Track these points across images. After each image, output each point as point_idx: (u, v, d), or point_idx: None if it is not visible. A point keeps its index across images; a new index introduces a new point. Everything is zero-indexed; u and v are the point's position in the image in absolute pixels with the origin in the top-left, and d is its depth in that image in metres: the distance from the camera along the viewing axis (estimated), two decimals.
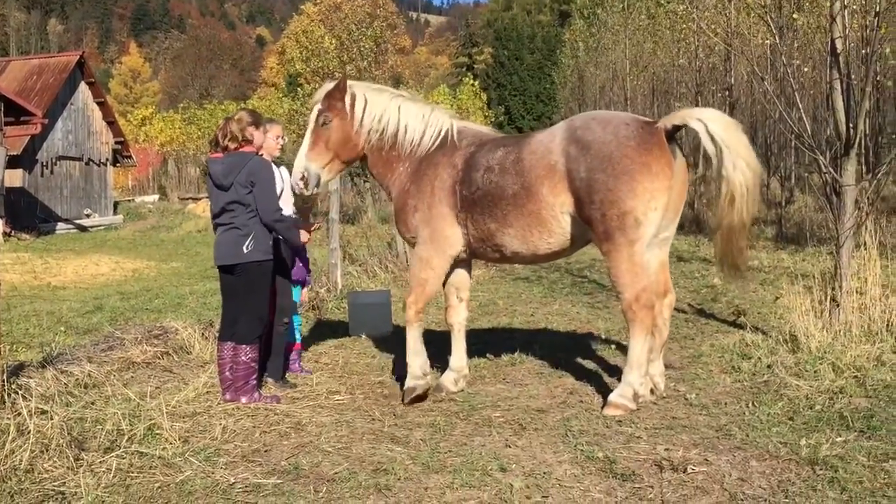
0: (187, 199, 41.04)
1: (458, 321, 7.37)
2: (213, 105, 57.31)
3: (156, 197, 44.14)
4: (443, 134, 7.09)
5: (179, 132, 52.81)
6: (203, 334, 8.95)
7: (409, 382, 6.97)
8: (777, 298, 10.23)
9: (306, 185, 6.99)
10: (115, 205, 38.65)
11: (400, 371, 7.56)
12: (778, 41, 7.97)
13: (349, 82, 7.25)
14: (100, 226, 34.67)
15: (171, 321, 9.44)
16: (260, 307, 6.87)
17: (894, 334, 7.44)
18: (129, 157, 38.95)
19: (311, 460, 5.54)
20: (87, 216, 35.21)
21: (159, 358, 8.31)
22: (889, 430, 5.62)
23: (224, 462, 5.54)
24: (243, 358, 6.78)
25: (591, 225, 6.27)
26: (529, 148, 6.57)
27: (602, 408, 6.46)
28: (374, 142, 7.12)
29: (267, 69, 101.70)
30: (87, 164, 36.04)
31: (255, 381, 6.87)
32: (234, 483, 5.18)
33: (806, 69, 16.47)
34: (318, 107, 7.14)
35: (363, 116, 7.06)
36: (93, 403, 6.58)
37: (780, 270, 13.07)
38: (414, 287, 7.05)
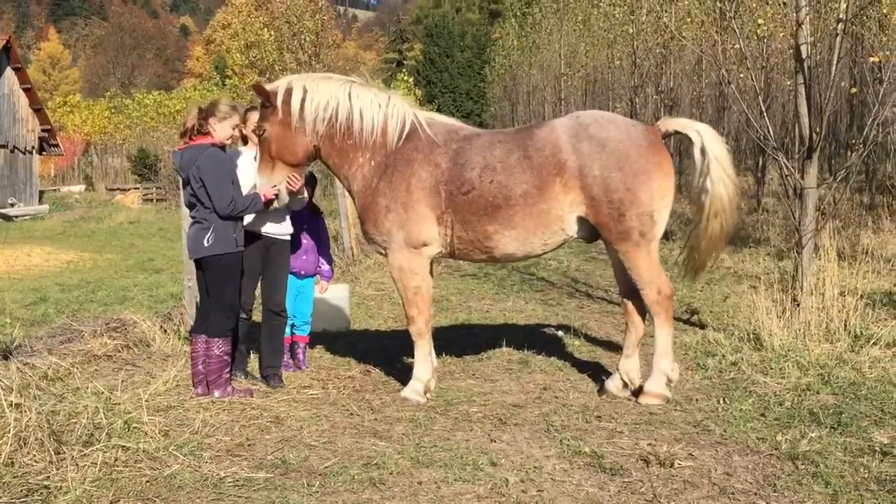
0: (115, 189, 40.22)
1: None
2: (141, 94, 56.20)
3: (82, 187, 43.18)
4: (408, 126, 6.78)
5: (107, 122, 51.66)
6: (162, 327, 8.82)
7: (409, 393, 6.81)
8: (726, 298, 10.52)
9: None
10: (41, 194, 37.69)
11: (369, 364, 7.56)
12: (743, 47, 8.16)
13: (288, 78, 6.97)
14: (25, 215, 33.75)
15: (129, 313, 9.26)
16: (228, 300, 6.75)
17: (851, 333, 7.69)
18: (56, 145, 38.01)
19: (297, 455, 5.50)
20: (12, 205, 34.25)
21: (120, 351, 8.17)
22: (859, 427, 5.81)
23: (209, 456, 5.48)
24: (216, 351, 6.68)
25: (605, 225, 6.35)
26: (535, 145, 6.48)
27: (637, 397, 6.62)
28: (322, 131, 6.74)
29: (193, 59, 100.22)
30: (11, 151, 35.07)
31: (227, 375, 6.78)
32: (223, 477, 5.13)
33: (742, 74, 16.86)
34: None
35: (302, 107, 6.68)
36: (63, 397, 6.43)
37: (724, 271, 13.36)
38: (410, 298, 6.83)
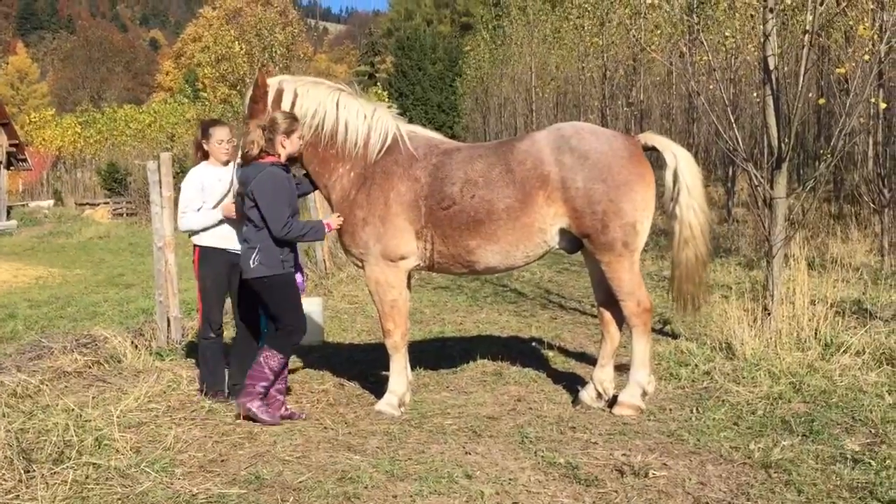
0: (85, 204, 39.88)
1: None
2: (112, 108, 55.78)
3: (51, 202, 42.72)
4: (390, 138, 6.77)
5: (78, 136, 51.23)
6: (133, 342, 8.72)
7: (384, 406, 6.77)
8: (698, 308, 10.54)
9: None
10: (9, 209, 37.28)
11: (341, 378, 7.54)
12: (712, 60, 8.24)
13: (279, 77, 6.92)
14: None
15: (99, 329, 9.17)
16: (289, 319, 6.53)
17: (821, 342, 7.74)
18: (25, 160, 37.65)
19: (271, 470, 5.46)
20: None
21: (90, 367, 8.06)
22: (830, 434, 5.86)
23: (181, 473, 5.42)
24: (261, 359, 6.46)
25: (589, 236, 6.37)
26: (516, 158, 6.47)
27: (612, 408, 6.62)
28: (307, 138, 6.71)
29: (163, 73, 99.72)
30: None
31: (261, 390, 6.46)
32: (196, 494, 5.08)
33: (711, 86, 17.01)
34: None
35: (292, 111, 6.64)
36: (32, 414, 6.35)
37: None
38: (386, 311, 6.79)
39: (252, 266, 6.40)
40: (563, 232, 6.53)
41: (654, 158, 6.75)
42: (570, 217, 6.39)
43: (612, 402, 6.70)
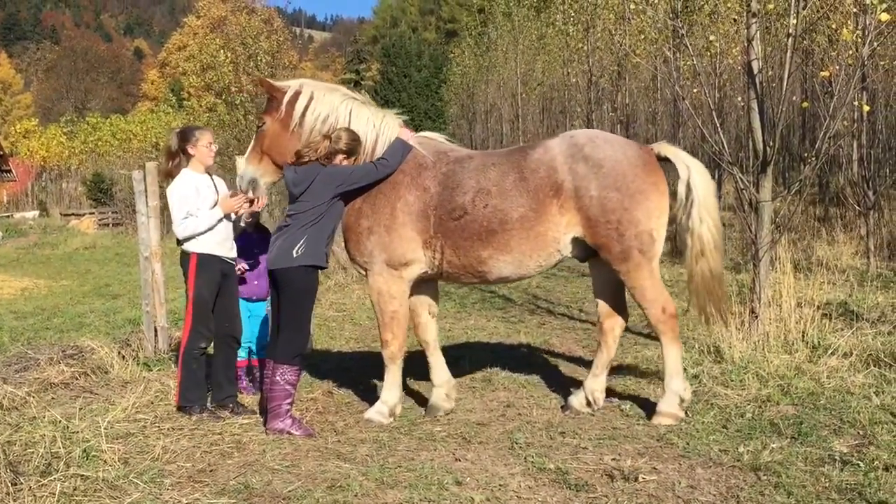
0: (70, 215, 39.71)
1: (433, 338, 7.12)
2: (95, 118, 55.58)
3: (36, 213, 42.55)
4: None
5: (63, 146, 51.04)
6: (120, 353, 8.67)
7: (374, 415, 6.76)
8: (686, 311, 10.57)
9: (239, 187, 6.82)
10: None
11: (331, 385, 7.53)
12: (696, 64, 8.27)
13: (300, 80, 6.93)
14: None
15: (86, 340, 9.12)
16: (301, 321, 6.53)
17: (809, 344, 7.78)
18: (9, 171, 37.51)
19: (260, 479, 5.43)
20: None
21: (77, 378, 8.01)
22: (819, 436, 5.88)
23: (170, 483, 5.39)
24: (279, 378, 6.42)
25: (605, 245, 6.32)
26: (530, 166, 6.42)
27: (651, 417, 6.54)
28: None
29: (148, 83, 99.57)
30: None
31: (289, 407, 6.47)
32: None
33: (696, 90, 17.07)
34: None
35: (304, 115, 6.63)
36: (19, 426, 6.31)
37: (682, 285, 13.42)
38: (386, 322, 6.73)
39: (296, 255, 6.31)
40: (576, 241, 6.48)
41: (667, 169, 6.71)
42: (583, 226, 6.34)
43: (651, 411, 6.61)
